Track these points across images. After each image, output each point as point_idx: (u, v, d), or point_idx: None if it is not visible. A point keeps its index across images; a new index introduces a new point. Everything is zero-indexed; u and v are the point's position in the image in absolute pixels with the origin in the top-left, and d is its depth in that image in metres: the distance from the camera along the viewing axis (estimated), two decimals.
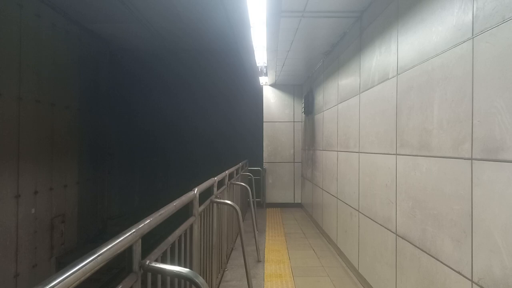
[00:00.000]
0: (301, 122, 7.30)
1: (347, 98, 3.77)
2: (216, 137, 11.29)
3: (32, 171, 4.77)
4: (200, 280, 1.19)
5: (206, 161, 11.07)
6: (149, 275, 1.21)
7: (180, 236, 1.68)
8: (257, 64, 5.80)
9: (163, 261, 1.42)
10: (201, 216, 2.24)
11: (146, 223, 1.18)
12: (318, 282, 3.31)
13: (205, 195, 2.43)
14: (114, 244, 0.95)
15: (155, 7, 5.54)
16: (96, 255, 0.86)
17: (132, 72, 8.85)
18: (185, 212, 1.94)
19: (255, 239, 4.00)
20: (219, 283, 3.12)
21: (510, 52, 1.39)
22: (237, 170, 4.47)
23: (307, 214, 6.54)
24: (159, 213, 1.35)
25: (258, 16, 3.49)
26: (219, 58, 8.82)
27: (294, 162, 7.39)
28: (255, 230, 4.04)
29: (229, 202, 2.90)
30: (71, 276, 0.73)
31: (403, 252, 2.36)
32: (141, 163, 10.06)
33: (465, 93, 1.68)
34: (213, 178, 2.74)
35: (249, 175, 5.85)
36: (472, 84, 1.62)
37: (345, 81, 3.87)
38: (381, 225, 2.77)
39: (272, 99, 7.42)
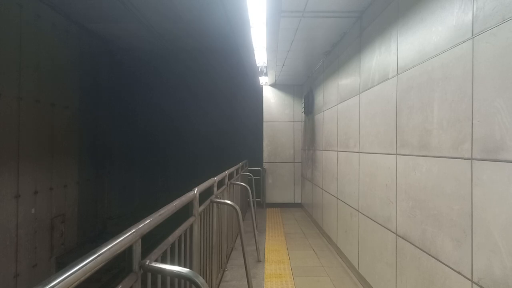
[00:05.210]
0: (301, 122, 7.30)
1: (347, 98, 3.77)
2: (216, 137, 11.29)
3: (32, 171, 4.77)
4: (200, 280, 1.19)
5: (206, 161, 11.07)
6: (149, 275, 1.21)
7: (180, 236, 1.68)
8: (257, 64, 5.80)
9: (163, 261, 1.42)
10: (201, 216, 2.24)
11: (146, 223, 1.18)
12: (318, 282, 3.31)
13: (205, 195, 2.43)
14: (114, 244, 0.95)
15: (155, 7, 5.54)
16: (96, 255, 0.86)
17: (132, 72, 8.86)
18: (185, 212, 1.94)
19: (255, 239, 4.00)
20: (219, 283, 3.12)
21: (510, 52, 1.39)
22: (237, 170, 4.47)
23: (307, 214, 6.54)
24: (159, 213, 1.35)
25: (258, 16, 3.49)
26: (219, 58, 8.82)
27: (294, 162, 7.39)
28: (255, 230, 4.04)
29: (229, 202, 2.90)
30: (71, 276, 0.73)
31: (403, 252, 2.36)
32: (141, 163, 10.06)
33: (465, 93, 1.68)
34: (213, 178, 2.74)
35: (249, 175, 5.85)
36: (472, 84, 1.62)
37: (345, 81, 3.87)
38: (381, 225, 2.77)
39: (272, 99, 7.42)
